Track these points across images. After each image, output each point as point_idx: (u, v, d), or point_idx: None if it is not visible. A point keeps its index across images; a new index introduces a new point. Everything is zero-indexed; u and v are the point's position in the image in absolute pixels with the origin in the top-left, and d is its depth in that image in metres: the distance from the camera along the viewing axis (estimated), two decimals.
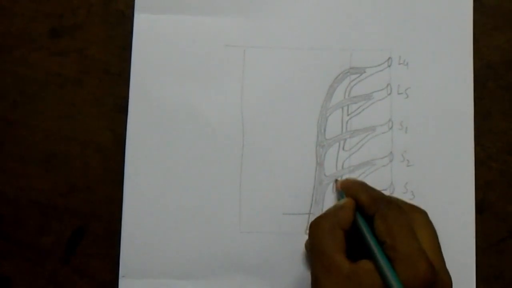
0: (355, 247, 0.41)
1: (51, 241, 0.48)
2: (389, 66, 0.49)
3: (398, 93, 0.49)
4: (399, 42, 0.49)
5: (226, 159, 0.48)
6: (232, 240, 0.48)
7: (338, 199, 0.46)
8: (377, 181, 0.48)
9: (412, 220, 0.41)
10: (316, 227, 0.42)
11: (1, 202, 0.49)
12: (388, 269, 0.38)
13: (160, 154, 0.48)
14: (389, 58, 0.49)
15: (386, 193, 0.48)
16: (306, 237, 0.47)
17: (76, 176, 0.49)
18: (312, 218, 0.48)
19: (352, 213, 0.42)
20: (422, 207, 0.46)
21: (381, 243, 0.40)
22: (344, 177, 0.48)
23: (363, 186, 0.45)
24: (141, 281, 0.47)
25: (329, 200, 0.48)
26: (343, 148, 0.48)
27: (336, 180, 0.47)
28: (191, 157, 0.48)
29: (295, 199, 0.48)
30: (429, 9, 0.49)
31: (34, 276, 0.48)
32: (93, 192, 0.49)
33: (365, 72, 0.49)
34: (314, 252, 0.41)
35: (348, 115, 0.49)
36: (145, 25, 0.49)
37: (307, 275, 0.47)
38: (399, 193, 0.48)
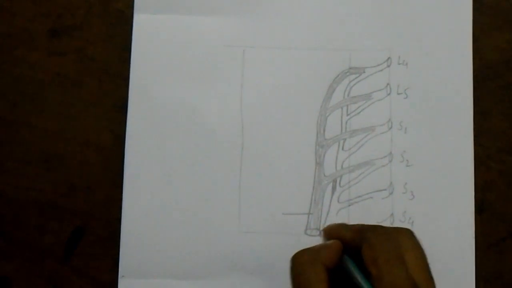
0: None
1: (51, 241, 0.48)
2: (388, 66, 0.49)
3: (398, 93, 0.49)
4: (399, 42, 0.49)
5: (226, 159, 0.48)
6: (232, 240, 0.48)
7: None
8: (376, 181, 0.48)
9: (398, 244, 0.40)
10: (296, 260, 0.40)
11: (1, 202, 0.49)
12: None
13: (159, 154, 0.48)
14: (389, 58, 0.49)
15: (386, 193, 0.48)
16: (306, 237, 0.47)
17: (75, 176, 0.49)
18: (312, 218, 0.48)
19: (337, 252, 0.40)
20: (421, 207, 0.47)
21: (368, 274, 0.39)
22: (343, 177, 0.48)
23: (343, 224, 0.44)
24: (141, 281, 0.47)
25: (328, 200, 0.48)
26: (342, 148, 0.48)
27: (321, 232, 0.47)
28: (190, 157, 0.48)
29: (295, 199, 0.48)
30: (429, 9, 0.49)
31: (33, 276, 0.48)
32: (92, 192, 0.49)
33: (364, 72, 0.49)
34: (297, 286, 0.39)
35: (347, 115, 0.49)
36: (144, 25, 0.49)
37: None
38: (399, 193, 0.48)
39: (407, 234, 0.41)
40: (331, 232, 0.44)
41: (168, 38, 0.49)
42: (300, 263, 0.40)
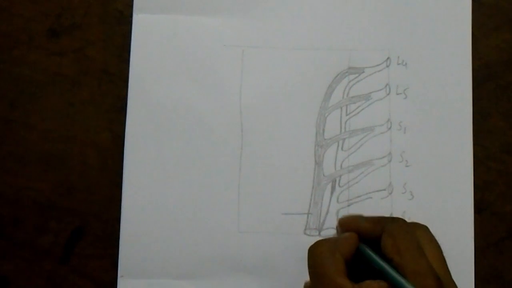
0: (356, 280, 0.40)
1: (50, 241, 0.48)
2: (387, 66, 0.49)
3: (397, 93, 0.49)
4: (398, 42, 0.49)
5: (225, 159, 0.48)
6: (231, 240, 0.48)
7: None
8: (375, 181, 0.48)
9: (417, 237, 0.40)
10: (314, 251, 0.41)
11: (1, 202, 0.49)
12: (408, 284, 0.37)
13: (158, 154, 0.48)
14: (388, 58, 0.49)
15: (385, 193, 0.48)
16: (305, 237, 0.47)
17: (75, 176, 0.49)
18: (311, 218, 0.48)
19: (354, 244, 0.41)
20: (421, 207, 0.47)
21: (388, 261, 0.39)
22: (342, 177, 0.48)
23: (359, 215, 0.44)
24: (140, 281, 0.47)
25: (328, 200, 0.48)
26: (341, 148, 0.48)
27: (336, 225, 0.47)
28: (189, 157, 0.48)
29: (294, 199, 0.48)
30: (428, 9, 0.49)
31: (32, 276, 0.48)
32: (92, 192, 0.49)
33: (363, 72, 0.49)
34: (315, 276, 0.40)
35: (346, 115, 0.49)
36: (143, 25, 0.49)
37: (305, 275, 0.47)
38: (398, 193, 0.48)
39: (425, 229, 0.42)
40: (348, 224, 0.44)
41: (167, 38, 0.49)
42: (319, 254, 0.40)
